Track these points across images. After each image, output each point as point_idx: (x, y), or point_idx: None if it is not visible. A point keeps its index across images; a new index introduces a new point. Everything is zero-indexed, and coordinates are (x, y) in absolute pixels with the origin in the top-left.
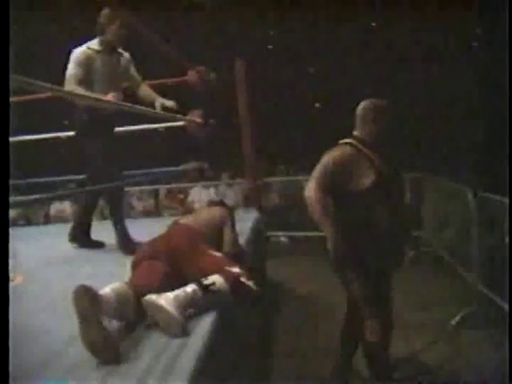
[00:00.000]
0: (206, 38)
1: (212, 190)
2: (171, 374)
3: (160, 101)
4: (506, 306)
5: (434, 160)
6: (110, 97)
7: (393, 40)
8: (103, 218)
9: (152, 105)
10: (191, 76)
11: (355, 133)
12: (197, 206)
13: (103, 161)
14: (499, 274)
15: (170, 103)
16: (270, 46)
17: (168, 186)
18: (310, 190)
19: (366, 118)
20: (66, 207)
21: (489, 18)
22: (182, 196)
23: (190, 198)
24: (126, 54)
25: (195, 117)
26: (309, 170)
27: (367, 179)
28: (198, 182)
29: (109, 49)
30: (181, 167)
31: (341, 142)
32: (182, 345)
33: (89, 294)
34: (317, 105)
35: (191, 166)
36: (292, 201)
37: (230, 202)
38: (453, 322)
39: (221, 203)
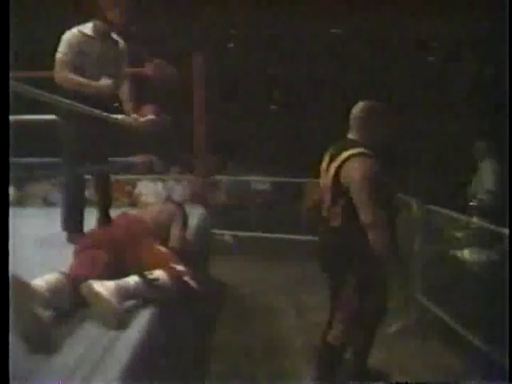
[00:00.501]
0: (165, 32)
1: (160, 185)
2: (103, 365)
3: (127, 120)
4: (445, 317)
5: None
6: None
7: (352, 42)
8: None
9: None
10: (148, 69)
11: (353, 137)
12: (144, 199)
13: (82, 145)
14: (439, 285)
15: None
16: (230, 45)
17: (116, 177)
18: (372, 215)
19: (367, 121)
20: None
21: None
22: (129, 188)
23: (137, 191)
24: (122, 42)
25: (149, 111)
26: (260, 171)
27: None
28: (146, 175)
29: (104, 34)
30: (128, 159)
31: (353, 151)
32: (117, 337)
33: (19, 284)
34: (273, 107)
35: (139, 158)
36: (239, 200)
37: (177, 197)
38: (390, 331)
39: (172, 200)
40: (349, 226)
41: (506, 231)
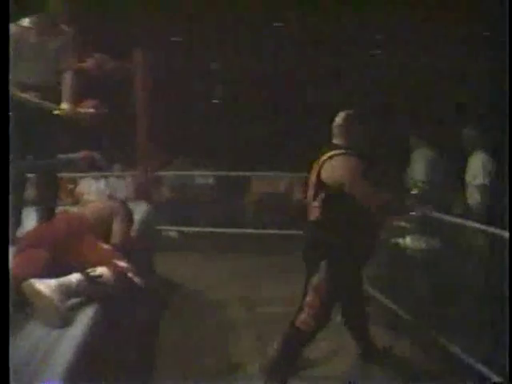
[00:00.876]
0: (107, 26)
1: (103, 182)
2: (47, 365)
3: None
4: (390, 304)
5: None
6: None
7: (296, 36)
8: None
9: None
10: (89, 63)
11: (337, 142)
12: (86, 197)
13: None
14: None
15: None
16: (175, 39)
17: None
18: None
19: (349, 128)
20: None
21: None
22: (71, 186)
23: (79, 189)
24: (66, 34)
25: (89, 106)
26: (205, 166)
27: None
28: (88, 172)
29: (45, 26)
30: (70, 156)
31: (335, 152)
32: (61, 336)
33: None
34: (215, 101)
35: (81, 155)
36: (183, 195)
37: (120, 194)
38: (338, 319)
39: (114, 197)
40: (326, 219)
41: (506, 234)
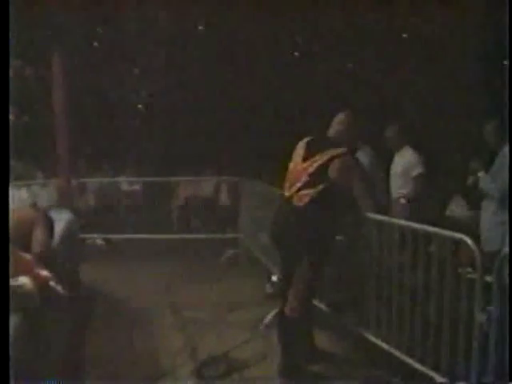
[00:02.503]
0: (24, 31)
1: (24, 190)
2: None
3: None
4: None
5: (251, 164)
6: None
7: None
8: None
9: None
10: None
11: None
12: None
13: None
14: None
15: None
16: (95, 44)
17: None
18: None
19: (351, 128)
20: None
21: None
22: None
23: None
24: None
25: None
26: (129, 172)
27: None
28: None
29: None
30: None
31: (338, 152)
32: None
33: None
34: (139, 106)
35: None
36: (109, 202)
37: (43, 202)
38: (266, 321)
39: (34, 206)
40: (316, 208)
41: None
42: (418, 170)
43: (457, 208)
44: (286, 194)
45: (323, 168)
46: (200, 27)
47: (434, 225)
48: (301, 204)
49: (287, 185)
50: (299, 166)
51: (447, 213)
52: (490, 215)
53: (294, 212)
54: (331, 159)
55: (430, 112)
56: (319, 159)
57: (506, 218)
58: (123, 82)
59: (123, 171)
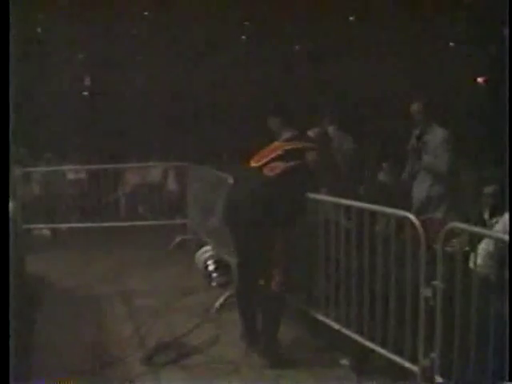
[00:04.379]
0: None
1: None
2: None
3: None
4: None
5: (200, 149)
6: None
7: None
8: None
9: None
10: None
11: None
12: None
13: None
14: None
15: None
16: (38, 30)
17: None
18: None
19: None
20: None
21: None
22: None
23: None
24: None
25: None
26: (77, 161)
27: None
28: None
29: None
30: None
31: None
32: None
33: None
34: (84, 93)
35: None
36: (55, 191)
37: None
38: (216, 305)
39: None
40: (285, 179)
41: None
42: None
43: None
44: (254, 164)
45: (300, 150)
46: (145, 13)
47: None
48: (271, 174)
49: (257, 158)
50: (277, 143)
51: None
52: (426, 187)
53: (264, 182)
54: (311, 148)
55: None
56: (299, 144)
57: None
58: (67, 69)
59: (68, 159)
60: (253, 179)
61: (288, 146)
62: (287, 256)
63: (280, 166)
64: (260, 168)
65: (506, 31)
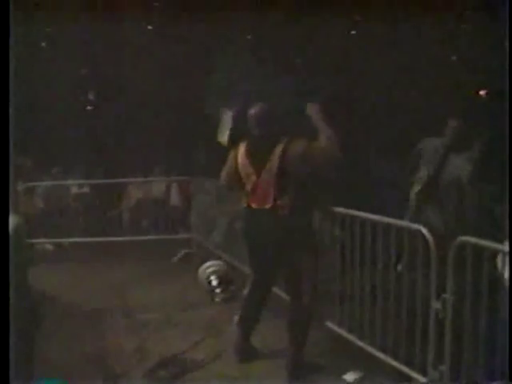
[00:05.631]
0: None
1: None
2: None
3: None
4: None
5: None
6: None
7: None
8: None
9: None
10: None
11: None
12: None
13: None
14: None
15: None
16: (43, 44)
17: None
18: None
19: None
20: None
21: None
22: None
23: None
24: None
25: None
26: (79, 174)
27: None
28: None
29: None
30: None
31: None
32: None
33: None
34: (88, 107)
35: None
36: (59, 206)
37: None
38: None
39: None
40: (295, 212)
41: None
42: None
43: None
44: (265, 206)
45: (284, 163)
46: (149, 27)
47: None
48: (285, 213)
49: (256, 197)
50: (253, 173)
51: None
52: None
53: (280, 222)
54: (284, 151)
55: None
56: (272, 158)
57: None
58: (71, 83)
59: (72, 174)
60: (268, 220)
61: (272, 171)
62: (314, 280)
63: (287, 204)
64: (273, 208)
65: (506, 43)
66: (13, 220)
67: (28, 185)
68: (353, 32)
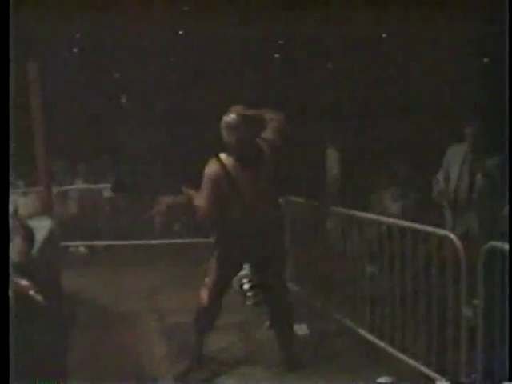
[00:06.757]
0: None
1: None
2: None
3: None
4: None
5: None
6: None
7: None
8: None
9: None
10: None
11: None
12: None
13: None
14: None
15: None
16: (75, 50)
17: None
18: None
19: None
20: None
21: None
22: None
23: None
24: None
25: None
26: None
27: None
28: None
29: None
30: None
31: None
32: None
33: None
34: (123, 101)
35: None
36: (91, 209)
37: (24, 211)
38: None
39: (14, 216)
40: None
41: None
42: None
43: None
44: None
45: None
46: (180, 32)
47: None
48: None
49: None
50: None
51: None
52: None
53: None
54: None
55: None
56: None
57: None
58: (103, 87)
59: (104, 177)
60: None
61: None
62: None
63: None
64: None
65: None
66: (47, 223)
67: (61, 188)
68: (384, 35)
